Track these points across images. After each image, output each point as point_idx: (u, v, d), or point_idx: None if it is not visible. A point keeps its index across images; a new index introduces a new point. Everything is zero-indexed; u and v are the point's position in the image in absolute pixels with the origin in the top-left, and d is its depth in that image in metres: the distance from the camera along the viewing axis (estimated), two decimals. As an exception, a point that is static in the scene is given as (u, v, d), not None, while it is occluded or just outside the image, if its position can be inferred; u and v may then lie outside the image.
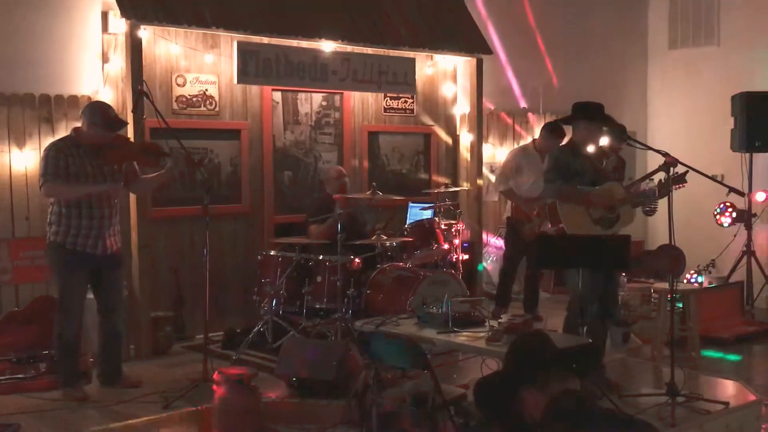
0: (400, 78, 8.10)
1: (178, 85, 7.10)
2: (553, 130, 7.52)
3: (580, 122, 5.76)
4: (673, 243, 5.38)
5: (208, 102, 7.26)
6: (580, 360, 4.02)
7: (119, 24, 6.59)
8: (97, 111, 5.43)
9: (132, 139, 6.12)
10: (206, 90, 7.24)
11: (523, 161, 7.67)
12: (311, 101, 7.93)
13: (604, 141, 7.85)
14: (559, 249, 5.59)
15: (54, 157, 5.30)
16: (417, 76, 8.29)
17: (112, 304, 5.65)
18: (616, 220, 5.72)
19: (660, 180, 5.55)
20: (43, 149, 5.54)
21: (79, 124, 5.55)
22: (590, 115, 5.73)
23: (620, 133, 6.64)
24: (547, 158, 5.94)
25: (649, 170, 5.74)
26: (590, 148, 5.75)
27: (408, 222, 7.78)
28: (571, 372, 3.13)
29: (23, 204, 6.35)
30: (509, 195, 7.80)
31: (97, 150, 5.41)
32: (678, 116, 10.50)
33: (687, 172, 5.51)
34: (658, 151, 5.49)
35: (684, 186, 5.55)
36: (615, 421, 3.02)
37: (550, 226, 6.42)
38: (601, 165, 5.89)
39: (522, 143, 8.25)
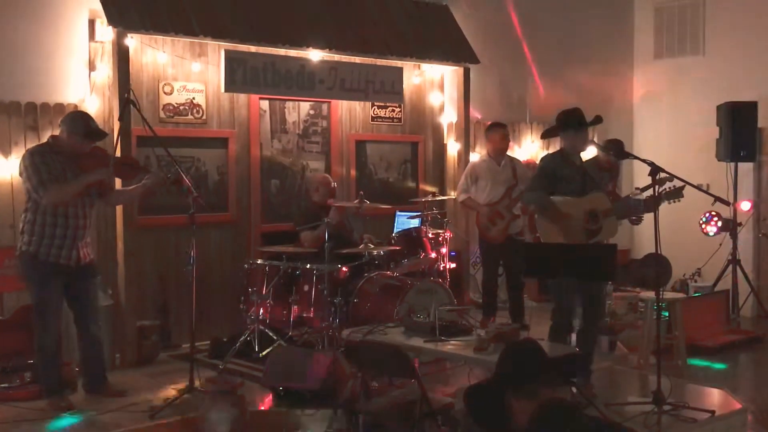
0: (388, 87, 8.12)
1: (165, 93, 7.09)
2: (489, 127, 7.89)
3: (568, 131, 5.79)
4: (659, 252, 5.40)
5: (195, 110, 7.25)
6: (568, 368, 4.04)
7: (106, 32, 6.57)
8: (79, 120, 5.42)
9: (116, 149, 6.09)
10: (193, 98, 7.23)
11: (478, 169, 7.83)
12: (299, 110, 7.93)
13: (593, 151, 7.94)
14: (546, 258, 5.61)
15: (41, 161, 5.27)
16: (404, 85, 8.31)
17: (88, 314, 5.62)
18: (597, 232, 5.71)
19: (661, 191, 5.56)
20: (22, 158, 5.43)
21: (58, 133, 5.52)
22: (575, 123, 5.77)
23: (615, 149, 6.76)
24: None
25: (635, 179, 5.80)
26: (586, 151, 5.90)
27: (395, 231, 7.78)
28: (560, 381, 3.14)
29: (8, 212, 6.31)
30: (468, 204, 7.88)
31: (75, 159, 5.39)
32: (663, 126, 10.55)
33: (683, 187, 5.54)
34: (643, 161, 5.52)
35: (679, 201, 5.57)
36: (601, 429, 3.03)
37: (522, 232, 6.46)
38: (599, 175, 5.95)
39: (509, 153, 8.29)
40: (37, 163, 5.27)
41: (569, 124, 5.77)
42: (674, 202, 5.55)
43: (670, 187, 5.59)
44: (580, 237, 5.62)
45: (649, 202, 5.56)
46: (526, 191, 5.95)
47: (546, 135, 6.27)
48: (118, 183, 6.13)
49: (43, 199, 5.25)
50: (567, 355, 4.95)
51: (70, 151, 5.39)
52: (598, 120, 5.93)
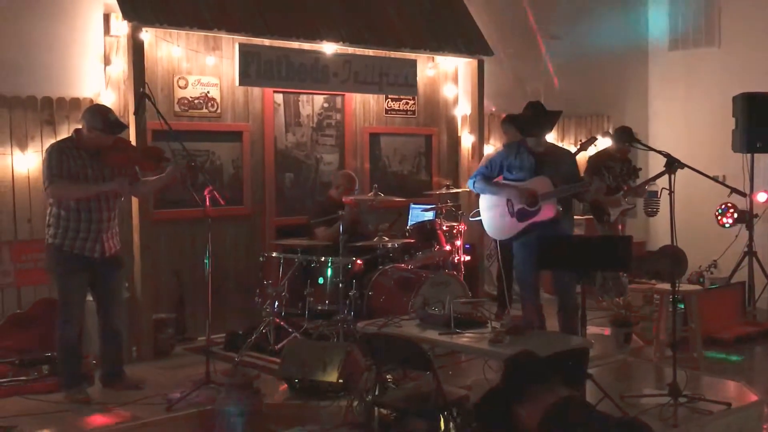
0: (401, 79, 8.11)
1: (180, 87, 7.11)
2: (506, 119, 7.93)
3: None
4: (674, 244, 5.38)
5: (209, 104, 7.27)
6: (572, 365, 4.02)
7: (121, 26, 6.60)
8: (97, 115, 5.42)
9: (133, 143, 6.12)
10: (208, 92, 7.25)
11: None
12: (312, 103, 7.94)
13: (606, 143, 7.92)
14: (560, 250, 5.63)
15: (57, 158, 5.30)
16: (418, 78, 8.30)
17: (111, 306, 5.65)
18: (535, 213, 6.00)
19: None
20: (45, 150, 5.54)
21: (80, 126, 5.55)
22: (521, 129, 6.22)
23: (625, 136, 6.99)
24: None
25: (650, 171, 5.81)
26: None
27: (409, 223, 7.78)
28: (559, 381, 3.15)
29: (25, 206, 6.36)
30: None
31: (97, 153, 5.42)
32: (679, 117, 10.50)
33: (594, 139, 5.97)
34: (659, 152, 5.51)
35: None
36: (609, 424, 3.03)
37: None
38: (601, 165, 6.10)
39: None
40: (52, 158, 5.31)
41: (519, 131, 6.27)
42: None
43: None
44: (516, 216, 6.06)
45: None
46: (472, 176, 6.40)
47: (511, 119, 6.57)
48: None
49: (47, 192, 5.35)
50: (565, 352, 4.85)
51: (93, 145, 5.41)
52: (532, 126, 6.08)
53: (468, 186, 6.49)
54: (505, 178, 6.19)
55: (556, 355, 4.41)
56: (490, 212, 6.29)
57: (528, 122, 6.10)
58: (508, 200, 6.13)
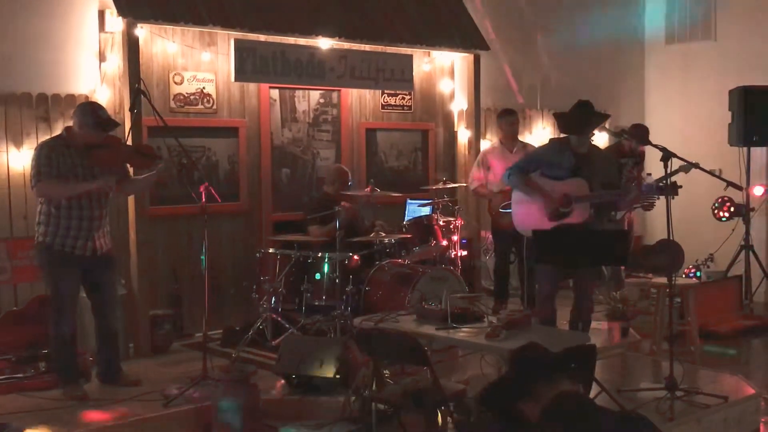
0: (398, 75, 8.10)
1: (176, 83, 7.10)
2: (500, 114, 7.98)
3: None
4: (671, 238, 5.38)
5: (205, 100, 7.25)
6: (577, 361, 4.03)
7: (116, 22, 6.58)
8: (89, 112, 5.39)
9: (127, 139, 6.10)
10: (203, 88, 7.24)
11: (490, 156, 7.87)
12: (309, 98, 7.93)
13: (602, 137, 7.89)
14: (558, 245, 5.61)
15: (47, 156, 5.27)
16: (414, 73, 8.29)
17: (106, 304, 5.64)
18: (568, 214, 5.84)
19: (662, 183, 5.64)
20: (34, 148, 5.51)
21: (71, 124, 5.53)
22: (566, 127, 5.98)
23: (638, 134, 6.84)
24: None
25: (647, 165, 5.80)
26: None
27: (406, 219, 7.78)
28: (563, 375, 3.15)
29: (21, 203, 6.35)
30: (480, 191, 7.91)
31: (88, 151, 5.38)
32: (675, 111, 10.50)
33: (679, 185, 5.59)
34: (655, 146, 5.50)
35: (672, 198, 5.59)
36: (609, 418, 3.03)
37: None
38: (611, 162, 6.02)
39: (522, 139, 8.29)
40: (41, 156, 5.28)
41: (570, 132, 5.92)
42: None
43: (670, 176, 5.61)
44: (548, 215, 5.82)
45: (662, 187, 5.58)
46: (509, 169, 6.11)
47: (556, 117, 6.34)
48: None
49: (34, 190, 5.32)
50: (571, 348, 4.86)
51: (83, 143, 5.38)
52: (586, 126, 5.92)
53: (503, 178, 6.26)
54: (542, 174, 5.95)
55: (564, 351, 4.42)
56: (522, 207, 6.04)
57: (573, 121, 5.88)
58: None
